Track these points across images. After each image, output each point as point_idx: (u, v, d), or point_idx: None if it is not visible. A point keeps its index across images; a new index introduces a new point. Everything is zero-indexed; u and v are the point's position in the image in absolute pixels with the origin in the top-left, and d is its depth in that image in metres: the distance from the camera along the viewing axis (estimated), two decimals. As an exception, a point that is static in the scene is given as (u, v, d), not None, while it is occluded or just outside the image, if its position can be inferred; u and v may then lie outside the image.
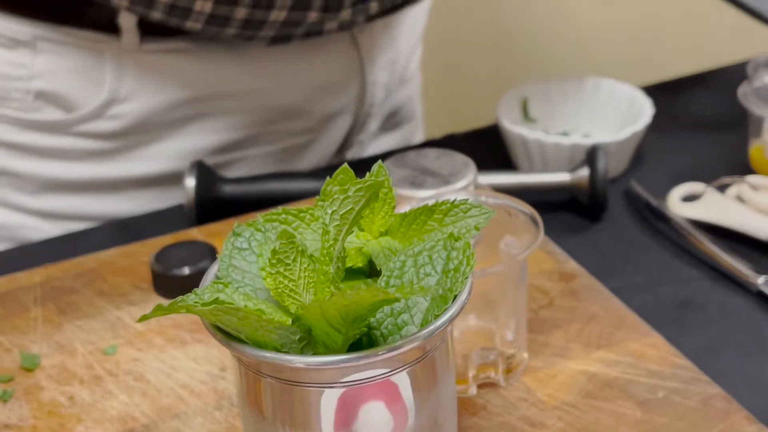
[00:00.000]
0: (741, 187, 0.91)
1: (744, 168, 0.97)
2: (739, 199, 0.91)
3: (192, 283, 0.77)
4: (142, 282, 0.85)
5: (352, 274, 0.60)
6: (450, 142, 1.03)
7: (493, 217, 0.61)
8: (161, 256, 0.84)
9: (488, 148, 1.02)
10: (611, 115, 1.02)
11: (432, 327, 0.56)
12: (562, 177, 0.94)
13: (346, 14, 0.95)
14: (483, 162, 0.92)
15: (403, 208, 0.63)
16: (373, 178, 0.60)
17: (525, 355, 0.75)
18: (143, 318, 0.55)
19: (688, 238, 0.88)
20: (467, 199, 0.61)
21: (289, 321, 0.56)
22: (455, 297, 0.57)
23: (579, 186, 0.93)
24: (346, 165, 0.60)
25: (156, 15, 0.92)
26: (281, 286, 0.56)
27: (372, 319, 0.57)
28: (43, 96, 0.97)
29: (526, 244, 0.72)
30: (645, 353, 0.75)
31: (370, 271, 0.61)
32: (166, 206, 0.99)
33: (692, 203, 0.92)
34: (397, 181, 0.85)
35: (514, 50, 1.81)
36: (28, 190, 1.01)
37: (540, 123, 1.03)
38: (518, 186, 0.94)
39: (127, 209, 1.01)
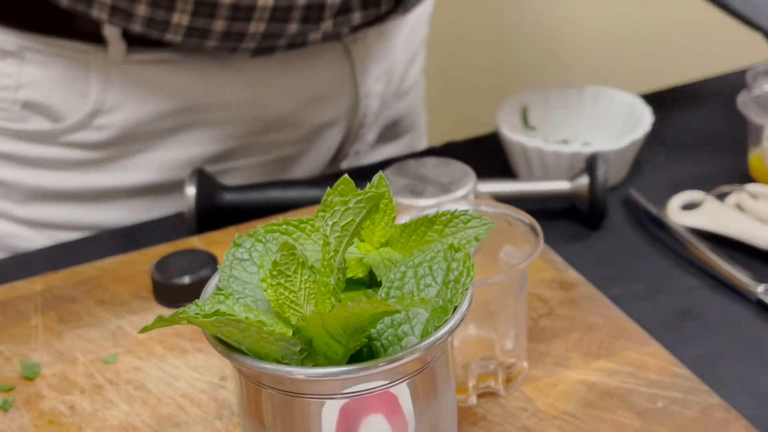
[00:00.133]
0: (740, 195, 0.91)
1: (743, 176, 0.97)
2: (739, 207, 0.91)
3: (192, 291, 0.78)
4: (142, 291, 0.85)
5: (352, 284, 0.61)
6: (450, 150, 1.03)
7: (493, 227, 0.61)
8: (162, 264, 0.84)
9: (488, 155, 1.02)
10: (611, 124, 1.02)
11: (432, 338, 0.56)
12: (561, 185, 0.94)
13: (327, 25, 0.94)
14: (483, 170, 0.92)
15: (404, 217, 0.63)
16: (373, 189, 0.60)
17: (525, 364, 0.75)
18: (144, 329, 0.55)
19: (688, 246, 0.89)
20: (467, 210, 0.61)
21: (290, 332, 0.56)
22: (455, 308, 0.57)
23: (578, 194, 0.93)
24: (346, 176, 0.60)
25: (136, 27, 0.92)
26: (282, 297, 0.56)
27: (372, 330, 0.57)
28: (29, 106, 0.97)
29: (525, 254, 0.72)
30: (645, 363, 0.75)
31: (371, 281, 0.61)
32: (163, 215, 0.99)
33: (692, 212, 0.92)
34: (397, 189, 0.85)
35: (514, 58, 1.81)
36: (16, 199, 1.01)
37: (540, 131, 1.03)
38: (518, 194, 0.94)
39: (116, 219, 1.01)
